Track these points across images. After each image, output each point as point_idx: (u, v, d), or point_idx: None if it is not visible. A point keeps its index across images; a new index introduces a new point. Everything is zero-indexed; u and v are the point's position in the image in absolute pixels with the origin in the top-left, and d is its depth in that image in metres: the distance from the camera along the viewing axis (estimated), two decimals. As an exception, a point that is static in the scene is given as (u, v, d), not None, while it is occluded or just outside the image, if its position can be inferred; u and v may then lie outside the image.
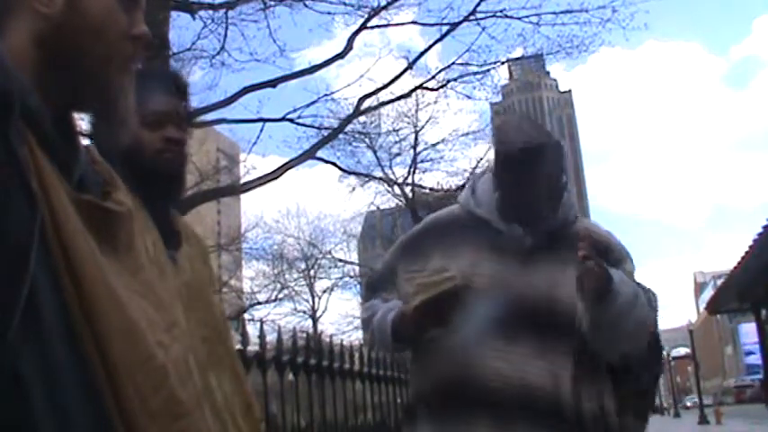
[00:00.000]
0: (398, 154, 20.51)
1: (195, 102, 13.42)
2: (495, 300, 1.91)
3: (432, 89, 16.21)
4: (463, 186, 2.34)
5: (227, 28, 12.98)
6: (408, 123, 20.08)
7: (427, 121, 20.21)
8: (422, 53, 14.94)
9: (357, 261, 30.11)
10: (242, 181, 16.39)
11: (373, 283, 2.22)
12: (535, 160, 1.96)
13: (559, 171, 2.05)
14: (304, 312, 30.79)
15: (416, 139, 20.41)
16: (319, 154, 14.57)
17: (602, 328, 1.92)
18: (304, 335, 3.29)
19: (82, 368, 0.77)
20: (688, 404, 49.36)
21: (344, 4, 13.73)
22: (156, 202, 1.50)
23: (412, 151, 20.48)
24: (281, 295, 29.18)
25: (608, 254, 2.05)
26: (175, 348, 0.88)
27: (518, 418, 1.86)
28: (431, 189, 20.01)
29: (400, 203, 22.21)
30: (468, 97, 16.12)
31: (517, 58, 18.73)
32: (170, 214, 1.61)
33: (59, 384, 0.74)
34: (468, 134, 20.98)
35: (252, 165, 20.77)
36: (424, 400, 2.01)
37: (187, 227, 1.66)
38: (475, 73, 15.18)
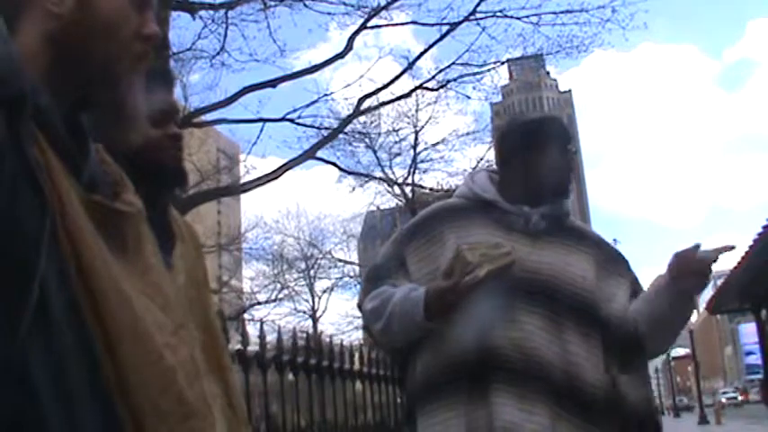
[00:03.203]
0: (398, 154, 20.52)
1: (195, 102, 13.45)
2: (510, 274, 1.92)
3: (431, 89, 16.24)
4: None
5: (227, 28, 13.02)
6: (408, 123, 20.09)
7: (427, 121, 20.22)
8: (422, 53, 14.98)
9: (357, 261, 30.12)
10: (242, 181, 16.40)
11: (376, 273, 2.15)
12: (562, 127, 2.19)
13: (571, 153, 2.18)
14: (304, 312, 30.83)
15: (416, 139, 20.42)
16: (319, 154, 14.61)
17: (672, 324, 2.07)
18: (304, 335, 3.29)
19: (90, 368, 0.77)
20: (723, 399, 48.89)
21: (344, 4, 13.75)
22: (156, 202, 1.52)
23: (412, 151, 20.50)
24: (281, 295, 29.21)
25: (616, 264, 2.14)
26: (183, 350, 0.88)
27: (534, 389, 1.89)
28: (431, 189, 19.99)
29: (400, 203, 22.23)
30: (468, 97, 16.16)
31: (517, 58, 18.72)
32: (168, 215, 1.61)
33: (68, 384, 0.74)
34: (467, 134, 20.99)
35: (252, 165, 20.75)
36: (441, 374, 1.95)
37: (178, 220, 1.64)
38: (475, 73, 15.20)
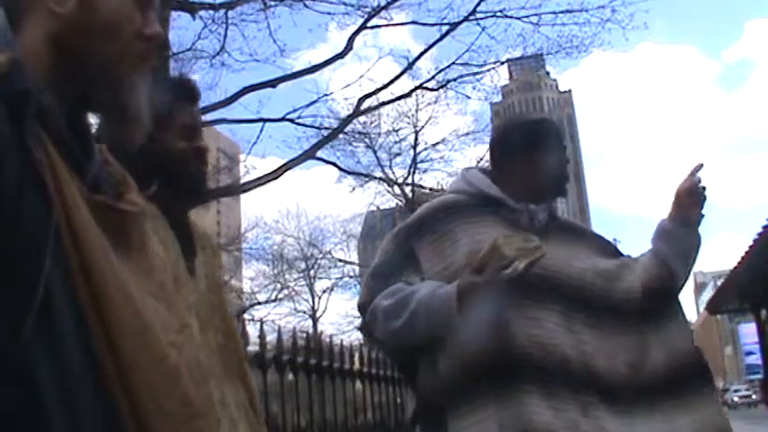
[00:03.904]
0: (398, 154, 20.50)
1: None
2: (523, 272, 1.92)
3: (431, 89, 16.22)
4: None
5: (227, 28, 12.99)
6: (408, 123, 20.07)
7: (427, 121, 20.21)
8: (422, 53, 14.95)
9: (357, 261, 30.11)
10: (242, 181, 16.37)
11: (384, 270, 2.09)
12: (559, 129, 2.25)
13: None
14: (304, 312, 30.81)
15: (416, 139, 20.42)
16: (319, 154, 14.58)
17: (685, 250, 2.11)
18: (304, 335, 3.29)
19: (94, 368, 0.77)
20: (735, 398, 47.66)
21: (344, 4, 13.74)
22: (179, 211, 1.62)
23: (412, 151, 20.49)
24: (281, 295, 29.21)
25: (613, 251, 2.22)
26: (187, 349, 0.88)
27: (560, 384, 1.90)
28: (431, 189, 19.97)
29: (400, 203, 22.20)
30: (468, 97, 16.13)
31: (517, 58, 18.71)
32: (189, 224, 1.68)
33: (71, 384, 0.74)
34: (468, 134, 21.00)
35: (252, 165, 20.73)
36: (466, 374, 1.92)
37: (197, 228, 1.70)
38: (475, 73, 15.19)
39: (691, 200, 2.06)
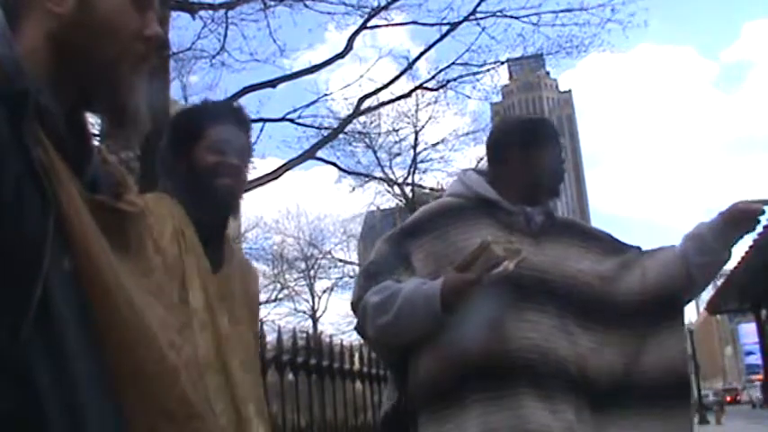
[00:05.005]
0: (398, 154, 20.55)
1: (195, 102, 13.38)
2: (517, 275, 1.92)
3: (431, 89, 16.22)
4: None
5: (227, 28, 12.97)
6: (408, 123, 20.10)
7: (427, 121, 20.25)
8: (422, 53, 14.95)
9: (357, 261, 30.12)
10: (242, 181, 16.34)
11: (376, 269, 2.08)
12: (556, 130, 2.25)
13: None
14: (304, 312, 30.85)
15: (416, 139, 20.45)
16: (319, 154, 14.58)
17: (713, 264, 2.13)
18: (304, 335, 3.29)
19: (93, 366, 0.77)
20: (758, 395, 46.86)
21: (344, 4, 13.73)
22: (214, 220, 1.75)
23: (412, 151, 20.53)
24: (281, 295, 29.24)
25: (614, 246, 2.20)
26: (186, 350, 0.89)
27: (555, 386, 1.90)
28: (431, 189, 20.00)
29: (400, 203, 22.23)
30: (468, 97, 16.14)
31: (517, 58, 18.72)
32: (222, 239, 1.79)
33: (71, 383, 0.74)
34: (468, 134, 21.03)
35: (252, 165, 20.74)
36: (453, 376, 1.92)
37: (233, 251, 1.82)
38: (475, 73, 15.19)
39: (744, 217, 2.06)
